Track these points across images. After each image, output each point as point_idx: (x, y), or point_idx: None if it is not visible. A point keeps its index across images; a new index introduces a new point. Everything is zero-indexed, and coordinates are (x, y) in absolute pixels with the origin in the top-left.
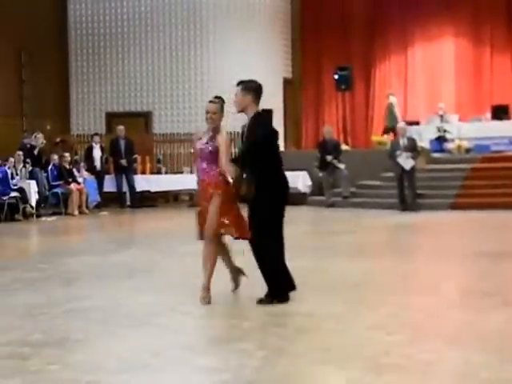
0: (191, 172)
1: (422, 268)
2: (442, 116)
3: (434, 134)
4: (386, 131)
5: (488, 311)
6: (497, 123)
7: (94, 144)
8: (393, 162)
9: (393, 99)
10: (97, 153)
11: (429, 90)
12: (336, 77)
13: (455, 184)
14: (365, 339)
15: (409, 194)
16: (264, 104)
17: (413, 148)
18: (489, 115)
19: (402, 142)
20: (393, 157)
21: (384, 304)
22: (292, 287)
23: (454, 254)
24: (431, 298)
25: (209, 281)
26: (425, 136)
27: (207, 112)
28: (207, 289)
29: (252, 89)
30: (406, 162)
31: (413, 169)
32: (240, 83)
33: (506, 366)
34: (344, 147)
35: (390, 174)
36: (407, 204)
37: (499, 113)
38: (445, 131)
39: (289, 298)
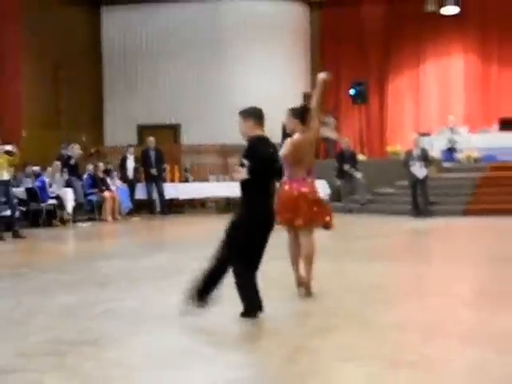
0: (217, 180)
1: (437, 271)
2: (452, 128)
3: (445, 145)
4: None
5: (501, 312)
6: (504, 135)
7: (128, 155)
8: (407, 171)
9: (329, 120)
10: (130, 163)
11: (440, 103)
12: (351, 92)
13: (467, 191)
14: (383, 338)
15: (422, 201)
16: (284, 118)
17: (425, 158)
18: (496, 127)
19: (416, 152)
20: (407, 166)
21: (401, 304)
22: (260, 308)
23: (467, 258)
24: (446, 300)
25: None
26: (436, 146)
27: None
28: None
29: (252, 114)
30: (419, 171)
31: (426, 177)
32: (240, 112)
33: None
34: (360, 157)
35: (404, 183)
36: (420, 210)
37: (506, 124)
38: (455, 142)
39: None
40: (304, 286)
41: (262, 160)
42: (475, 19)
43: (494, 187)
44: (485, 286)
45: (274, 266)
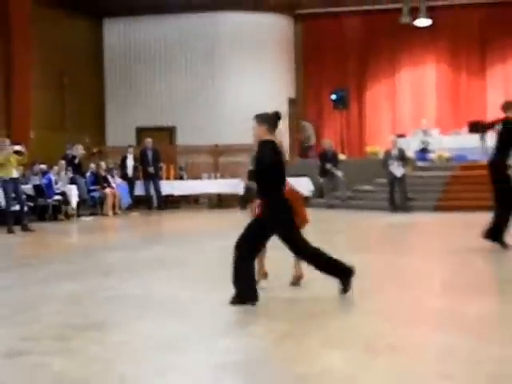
0: (209, 178)
1: (411, 262)
2: (425, 130)
3: (419, 146)
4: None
5: (467, 300)
6: (472, 136)
7: (128, 154)
8: (386, 170)
9: (306, 124)
10: (129, 162)
11: (414, 107)
12: (333, 97)
13: (438, 189)
14: (361, 324)
15: (400, 198)
16: None
17: (402, 157)
18: (466, 129)
19: (394, 152)
20: (386, 165)
21: (378, 293)
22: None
23: (437, 250)
24: (419, 288)
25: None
26: (410, 147)
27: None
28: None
29: (265, 119)
30: (397, 169)
31: (403, 176)
32: (255, 116)
33: (483, 347)
34: (341, 157)
35: (382, 180)
36: (396, 206)
37: (474, 127)
38: (428, 143)
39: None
40: (295, 277)
41: (268, 163)
42: (446, 31)
43: (463, 185)
44: (454, 276)
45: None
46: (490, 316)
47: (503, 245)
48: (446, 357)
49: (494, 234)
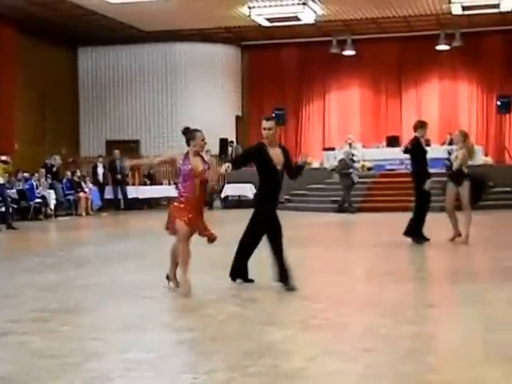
0: (168, 184)
1: (340, 253)
2: (350, 144)
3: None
4: None
5: (387, 286)
6: (390, 149)
7: (98, 163)
8: (343, 176)
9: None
10: (100, 170)
11: (341, 124)
12: (273, 115)
13: (361, 193)
14: (297, 306)
15: (343, 200)
16: (221, 135)
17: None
18: (384, 143)
19: (351, 163)
20: (347, 173)
21: (311, 281)
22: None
23: (361, 244)
24: (346, 276)
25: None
26: (338, 158)
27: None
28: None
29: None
30: (355, 177)
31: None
32: (270, 118)
33: (398, 326)
34: None
35: (314, 186)
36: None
37: (392, 141)
38: (352, 155)
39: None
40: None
41: None
42: (368, 60)
43: (381, 190)
44: (375, 266)
45: (214, 252)
46: (405, 299)
47: (424, 239)
48: (367, 334)
49: (416, 231)
